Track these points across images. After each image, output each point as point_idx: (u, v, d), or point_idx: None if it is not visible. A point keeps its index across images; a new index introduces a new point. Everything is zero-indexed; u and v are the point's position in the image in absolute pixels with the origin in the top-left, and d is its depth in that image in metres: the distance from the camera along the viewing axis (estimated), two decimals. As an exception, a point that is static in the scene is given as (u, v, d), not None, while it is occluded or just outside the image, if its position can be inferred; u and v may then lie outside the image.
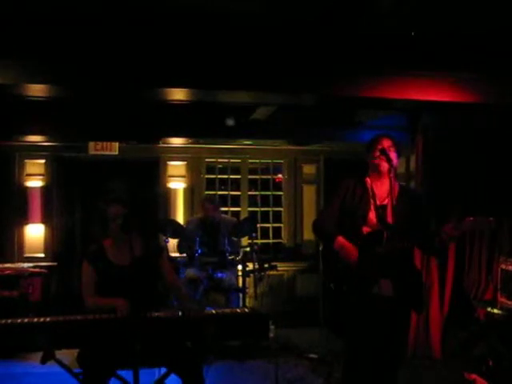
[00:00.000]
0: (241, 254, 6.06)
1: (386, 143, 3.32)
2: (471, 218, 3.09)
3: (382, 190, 3.32)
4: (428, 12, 3.72)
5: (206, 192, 7.47)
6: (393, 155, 3.30)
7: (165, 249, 4.15)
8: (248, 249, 6.03)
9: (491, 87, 4.49)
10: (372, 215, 3.31)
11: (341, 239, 3.24)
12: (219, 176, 7.73)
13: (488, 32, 4.02)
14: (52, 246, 7.08)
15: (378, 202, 3.33)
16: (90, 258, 3.38)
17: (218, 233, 5.92)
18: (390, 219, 3.23)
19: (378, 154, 3.29)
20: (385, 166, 3.26)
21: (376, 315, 3.23)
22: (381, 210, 3.31)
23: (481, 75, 4.42)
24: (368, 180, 3.40)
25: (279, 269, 6.57)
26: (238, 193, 7.77)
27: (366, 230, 3.29)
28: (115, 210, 3.33)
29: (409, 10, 3.67)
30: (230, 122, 6.08)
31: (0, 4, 3.54)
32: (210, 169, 7.69)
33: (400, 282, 3.22)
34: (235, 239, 6.11)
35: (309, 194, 7.78)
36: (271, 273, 6.28)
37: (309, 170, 7.81)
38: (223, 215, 6.40)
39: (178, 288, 3.55)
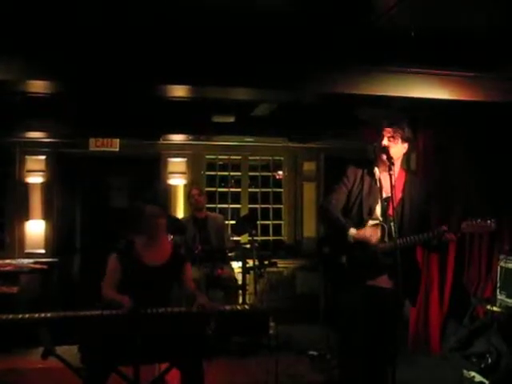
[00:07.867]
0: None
1: (387, 133, 3.25)
2: (470, 221, 3.09)
3: (387, 181, 3.16)
4: (429, 8, 3.71)
5: (207, 189, 7.46)
6: (395, 144, 3.23)
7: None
8: (248, 246, 6.03)
9: (496, 85, 4.48)
10: (379, 208, 3.29)
11: (353, 232, 3.21)
12: (219, 173, 7.74)
13: (492, 28, 3.99)
14: (52, 242, 7.08)
15: (384, 195, 3.28)
16: (119, 254, 3.41)
17: (206, 229, 5.90)
18: (391, 212, 3.11)
19: (378, 146, 3.25)
20: (386, 158, 3.17)
21: (371, 306, 3.23)
22: (385, 202, 3.26)
23: (485, 73, 4.41)
24: (377, 170, 3.33)
25: (279, 266, 6.59)
26: (239, 190, 7.79)
27: (371, 222, 3.27)
28: (152, 210, 3.41)
29: (409, 7, 3.66)
30: None
31: (2, 1, 3.53)
32: (211, 166, 7.70)
33: (399, 277, 3.14)
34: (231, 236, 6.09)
35: (309, 191, 7.79)
36: (271, 270, 6.28)
37: (309, 167, 7.81)
38: (209, 212, 6.31)
39: (194, 295, 3.43)
